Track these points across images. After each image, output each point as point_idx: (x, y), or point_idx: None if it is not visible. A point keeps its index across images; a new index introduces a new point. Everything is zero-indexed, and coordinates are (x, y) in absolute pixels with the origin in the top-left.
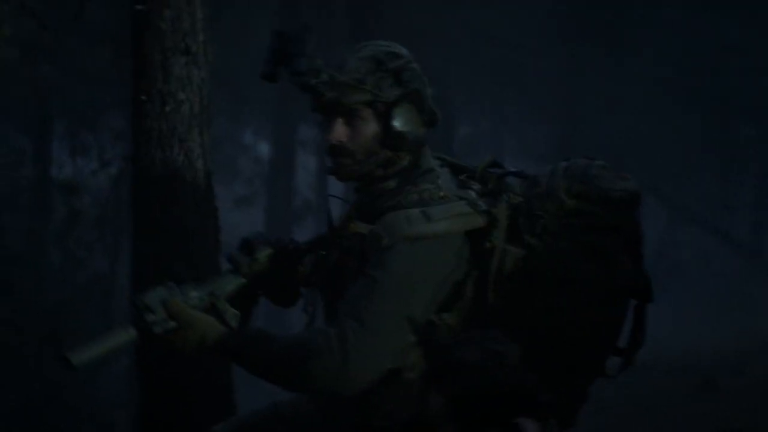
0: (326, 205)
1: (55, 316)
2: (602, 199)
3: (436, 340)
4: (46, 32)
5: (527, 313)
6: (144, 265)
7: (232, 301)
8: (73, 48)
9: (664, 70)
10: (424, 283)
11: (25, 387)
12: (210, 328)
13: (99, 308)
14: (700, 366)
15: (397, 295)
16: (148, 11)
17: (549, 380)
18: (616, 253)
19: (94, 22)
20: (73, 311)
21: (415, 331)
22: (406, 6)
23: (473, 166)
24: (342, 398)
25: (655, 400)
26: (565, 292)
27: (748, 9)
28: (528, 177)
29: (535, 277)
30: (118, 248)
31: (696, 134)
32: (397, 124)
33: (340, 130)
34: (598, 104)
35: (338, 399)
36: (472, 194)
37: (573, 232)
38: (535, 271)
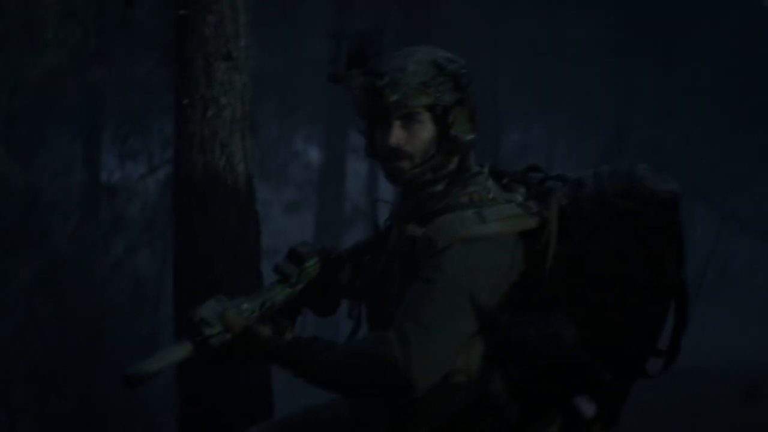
0: (373, 209)
1: (102, 320)
2: (650, 200)
3: (496, 324)
4: (93, 38)
5: (576, 312)
6: (186, 269)
7: (280, 312)
8: (121, 53)
9: (715, 78)
10: (481, 284)
11: (72, 389)
12: (266, 339)
13: (147, 312)
14: (746, 374)
15: (455, 296)
16: (191, 17)
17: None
18: (664, 253)
19: (142, 28)
20: (120, 315)
21: (474, 326)
22: (456, 11)
23: (514, 170)
24: (402, 402)
25: (699, 407)
26: (615, 292)
27: None
28: (568, 180)
29: (586, 277)
30: (166, 252)
31: (748, 143)
32: (453, 128)
33: (399, 133)
34: (648, 112)
35: (386, 402)
36: (518, 197)
37: (622, 232)
38: (585, 271)
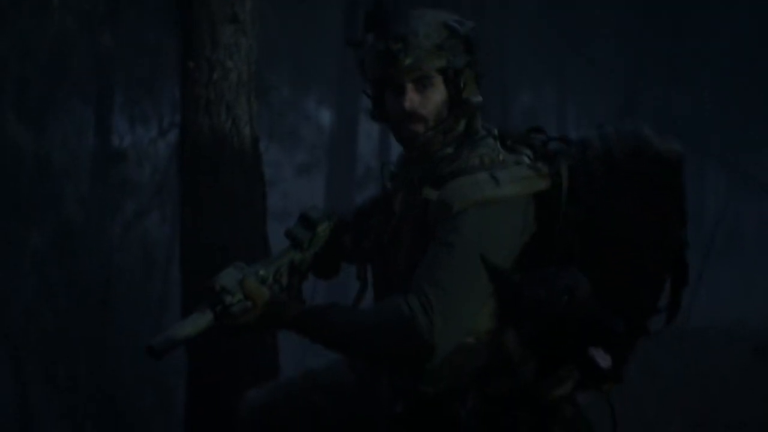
0: (383, 172)
1: (112, 284)
2: (656, 159)
3: (509, 284)
4: (103, 3)
5: (586, 271)
6: (192, 231)
7: (290, 276)
8: (131, 18)
9: (729, 40)
10: (497, 246)
11: (82, 353)
12: (286, 305)
13: (157, 276)
14: (754, 334)
15: (473, 258)
16: None
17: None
18: (668, 213)
19: None
20: (130, 279)
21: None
22: None
23: (517, 132)
24: (420, 366)
25: (706, 367)
26: (623, 251)
27: None
28: (572, 141)
29: (595, 237)
30: (176, 216)
31: (760, 104)
32: (465, 90)
33: (413, 97)
34: (661, 73)
35: (403, 366)
36: (525, 159)
37: (630, 192)
38: (595, 231)
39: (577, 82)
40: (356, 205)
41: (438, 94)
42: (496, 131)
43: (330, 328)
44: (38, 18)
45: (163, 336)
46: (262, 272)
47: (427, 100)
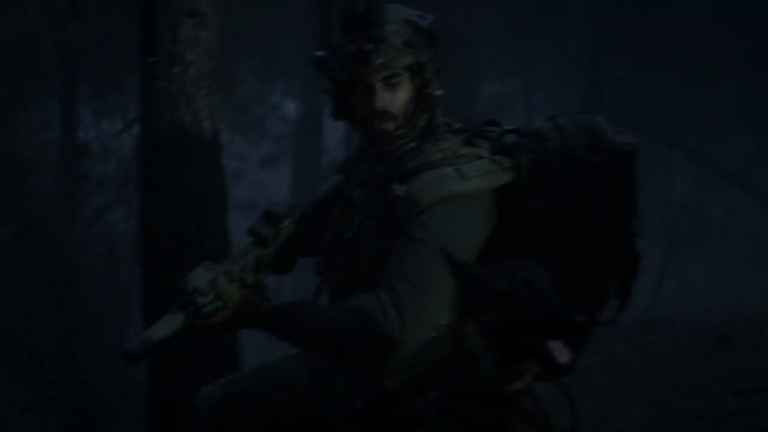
0: (341, 166)
1: (78, 277)
2: (613, 153)
3: (471, 276)
4: None
5: (547, 263)
6: (154, 224)
7: (255, 274)
8: (96, 10)
9: (694, 26)
10: (465, 239)
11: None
12: (256, 304)
13: (123, 269)
14: (719, 324)
15: (441, 253)
16: None
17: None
18: (625, 203)
19: None
20: (96, 272)
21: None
22: None
23: (473, 125)
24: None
25: (672, 357)
26: (582, 243)
27: None
28: (526, 133)
29: (556, 230)
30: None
31: (725, 90)
32: (430, 85)
33: (384, 95)
34: (627, 61)
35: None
36: (483, 152)
37: (590, 185)
38: (555, 224)
39: (544, 70)
40: (314, 197)
41: (406, 90)
42: (456, 125)
43: (300, 327)
44: (3, 11)
45: (138, 340)
46: (231, 271)
47: (396, 98)
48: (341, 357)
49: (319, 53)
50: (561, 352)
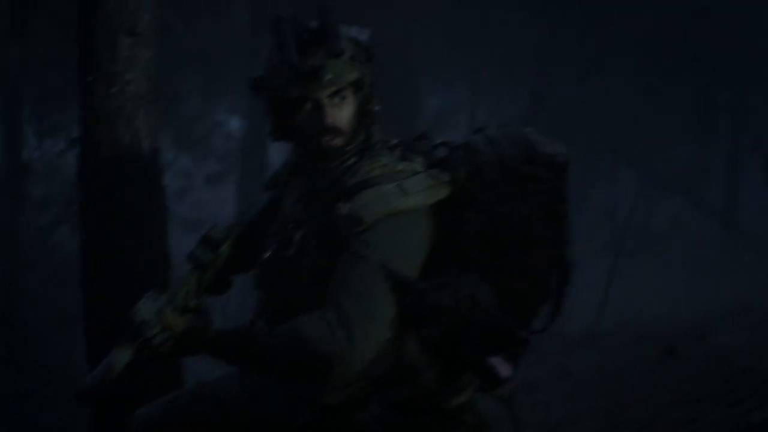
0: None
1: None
2: (548, 163)
3: (413, 291)
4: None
5: (486, 275)
6: (93, 243)
7: (197, 299)
8: (39, 30)
9: (638, 36)
10: (409, 254)
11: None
12: (202, 331)
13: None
14: (666, 333)
15: (386, 269)
16: None
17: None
18: (559, 213)
19: (57, 3)
20: (44, 292)
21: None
22: None
23: (405, 140)
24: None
25: (619, 367)
26: (520, 254)
27: None
28: (456, 147)
29: (494, 242)
30: None
31: (670, 100)
32: (371, 101)
33: (333, 111)
34: (570, 72)
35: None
36: (418, 167)
37: (527, 197)
38: (493, 237)
39: (488, 81)
40: (248, 215)
41: (351, 106)
42: (392, 140)
43: (248, 351)
44: None
45: (91, 379)
46: (175, 299)
47: (344, 114)
48: (292, 376)
49: (259, 74)
50: (503, 367)
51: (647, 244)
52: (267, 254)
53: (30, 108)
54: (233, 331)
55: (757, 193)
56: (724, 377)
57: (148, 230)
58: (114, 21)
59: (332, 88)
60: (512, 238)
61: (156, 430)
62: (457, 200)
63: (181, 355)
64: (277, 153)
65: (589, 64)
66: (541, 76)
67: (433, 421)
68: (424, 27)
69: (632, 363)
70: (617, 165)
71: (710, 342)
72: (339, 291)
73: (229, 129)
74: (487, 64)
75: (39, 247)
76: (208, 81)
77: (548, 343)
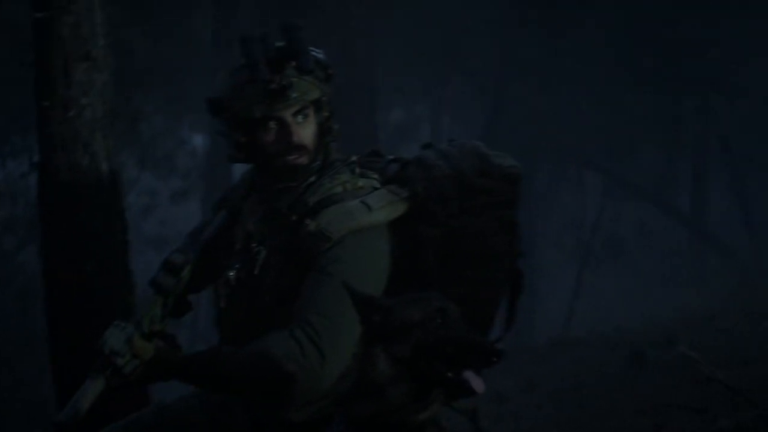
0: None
1: None
2: (503, 176)
3: (379, 307)
4: None
5: (447, 289)
6: (54, 265)
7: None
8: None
9: (602, 45)
10: (375, 270)
11: None
12: (170, 356)
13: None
14: (633, 340)
15: (353, 286)
16: (50, 18)
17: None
18: (512, 225)
19: (15, 26)
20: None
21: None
22: None
23: (360, 157)
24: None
25: (586, 376)
26: (477, 266)
27: None
28: (409, 162)
29: (453, 255)
30: None
31: (635, 108)
32: (331, 119)
33: (298, 130)
34: (533, 81)
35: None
36: (375, 183)
37: (483, 210)
38: (452, 250)
39: (450, 93)
40: (203, 236)
41: (313, 124)
42: (351, 157)
43: (217, 374)
44: None
45: (66, 411)
46: (141, 327)
47: (307, 131)
48: (258, 395)
49: (218, 95)
50: (476, 381)
51: (614, 251)
52: (230, 273)
53: None
54: (200, 357)
55: (724, 199)
56: (692, 384)
57: (110, 252)
58: (69, 47)
59: (296, 106)
60: (470, 250)
61: None
62: (415, 215)
63: (151, 381)
64: (241, 170)
65: (550, 74)
66: (504, 86)
67: None
68: (385, 42)
69: (600, 371)
70: (583, 173)
71: (678, 348)
72: (307, 308)
73: (192, 146)
74: (447, 77)
75: (4, 268)
76: (171, 99)
77: (517, 354)
